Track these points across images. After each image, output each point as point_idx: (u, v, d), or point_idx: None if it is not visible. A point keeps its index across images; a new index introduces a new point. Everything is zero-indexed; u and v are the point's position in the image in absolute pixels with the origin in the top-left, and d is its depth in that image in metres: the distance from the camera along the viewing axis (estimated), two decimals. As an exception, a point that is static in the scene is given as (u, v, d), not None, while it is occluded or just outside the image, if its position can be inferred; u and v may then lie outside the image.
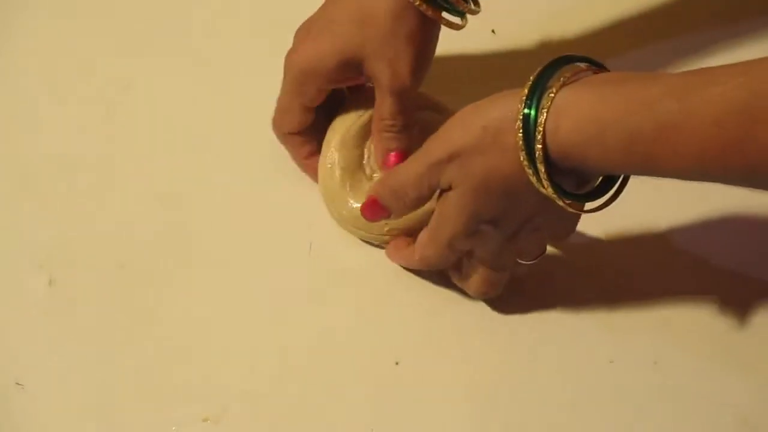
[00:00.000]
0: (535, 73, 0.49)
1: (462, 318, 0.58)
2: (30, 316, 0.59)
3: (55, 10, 0.74)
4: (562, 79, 0.48)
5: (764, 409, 0.54)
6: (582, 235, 0.60)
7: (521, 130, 0.48)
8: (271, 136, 0.63)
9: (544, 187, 0.49)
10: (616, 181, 0.51)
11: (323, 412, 0.55)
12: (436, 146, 0.53)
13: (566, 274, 0.60)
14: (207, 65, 0.70)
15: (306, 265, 0.61)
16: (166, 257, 0.61)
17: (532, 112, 0.48)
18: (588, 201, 0.51)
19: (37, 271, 0.60)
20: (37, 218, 0.63)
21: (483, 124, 0.50)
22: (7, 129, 0.68)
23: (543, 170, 0.48)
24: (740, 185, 0.49)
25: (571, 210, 0.50)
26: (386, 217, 0.57)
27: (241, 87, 0.69)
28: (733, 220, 0.61)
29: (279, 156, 0.64)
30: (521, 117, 0.48)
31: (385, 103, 0.58)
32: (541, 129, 0.48)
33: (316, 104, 0.60)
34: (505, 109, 0.50)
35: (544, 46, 0.65)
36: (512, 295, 0.58)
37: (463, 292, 0.58)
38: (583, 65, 0.49)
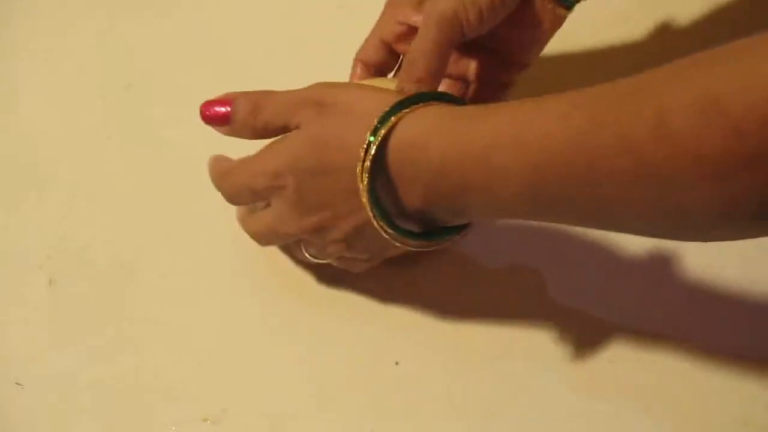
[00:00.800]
0: (384, 111, 0.47)
1: (462, 318, 0.58)
2: (30, 316, 0.59)
3: (55, 11, 0.74)
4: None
5: (764, 410, 0.54)
6: (581, 234, 0.60)
7: (361, 158, 0.47)
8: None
9: (364, 196, 0.48)
10: (444, 233, 0.50)
11: (323, 412, 0.55)
12: (314, 89, 0.51)
13: (565, 273, 0.59)
14: (207, 64, 0.70)
15: (306, 264, 0.61)
16: (166, 257, 0.61)
17: (376, 139, 0.47)
18: (411, 238, 0.50)
19: (37, 271, 0.60)
20: (37, 218, 0.63)
21: (358, 97, 0.50)
22: (7, 129, 0.68)
23: (365, 183, 0.47)
24: (582, 214, 0.45)
25: (383, 233, 0.49)
26: (220, 125, 0.53)
27: (242, 86, 0.69)
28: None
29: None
30: (362, 150, 0.47)
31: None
32: (373, 148, 0.47)
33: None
34: (381, 100, 0.48)
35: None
36: (511, 295, 0.58)
37: (462, 293, 0.58)
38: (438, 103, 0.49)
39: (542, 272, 0.59)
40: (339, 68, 0.63)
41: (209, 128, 0.67)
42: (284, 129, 0.52)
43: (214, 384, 0.56)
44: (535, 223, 0.56)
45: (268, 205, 0.54)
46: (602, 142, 0.41)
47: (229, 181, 0.54)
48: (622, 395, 0.55)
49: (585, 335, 0.57)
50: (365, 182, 0.47)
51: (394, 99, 0.48)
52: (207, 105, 0.53)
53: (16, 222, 0.63)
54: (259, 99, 0.52)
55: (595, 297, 0.58)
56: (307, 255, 0.56)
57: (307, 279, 0.60)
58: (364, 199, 0.48)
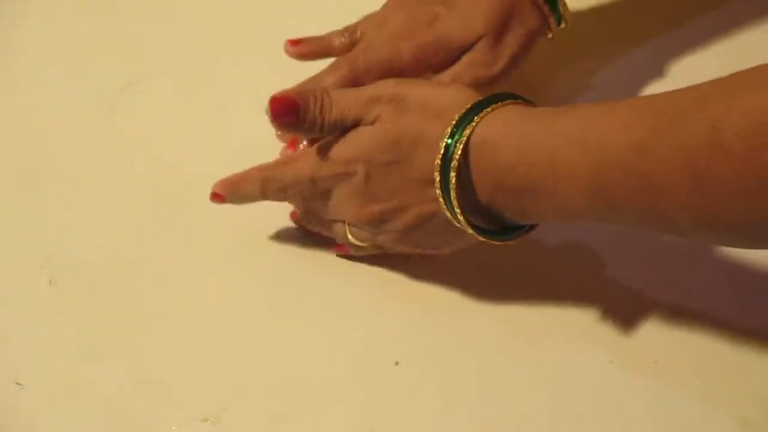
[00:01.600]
0: (465, 108, 0.50)
1: (462, 318, 0.58)
2: (30, 316, 0.59)
3: (55, 10, 0.74)
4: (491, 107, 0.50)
5: (764, 409, 0.54)
6: (581, 234, 0.60)
7: (441, 152, 0.49)
8: (273, 134, 0.63)
9: (438, 188, 0.50)
10: (516, 230, 0.52)
11: (323, 412, 0.55)
12: (389, 84, 0.54)
13: (566, 273, 0.60)
14: (207, 64, 0.71)
15: (306, 264, 0.61)
16: (167, 257, 0.61)
17: (452, 141, 0.49)
18: (485, 235, 0.52)
19: (37, 271, 0.60)
20: (37, 218, 0.63)
21: (432, 93, 0.52)
22: (7, 129, 0.68)
23: (453, 181, 0.49)
24: (641, 219, 0.47)
25: (457, 225, 0.51)
26: (290, 124, 0.54)
27: (242, 86, 0.69)
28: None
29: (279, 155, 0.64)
30: (443, 144, 0.49)
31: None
32: (460, 148, 0.49)
33: None
34: (462, 96, 0.51)
35: (544, 46, 0.65)
36: (512, 295, 0.58)
37: (463, 292, 0.58)
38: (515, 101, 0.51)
39: (538, 275, 0.59)
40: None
41: (208, 128, 0.67)
42: (354, 124, 0.54)
43: (214, 384, 0.56)
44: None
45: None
46: (660, 153, 0.43)
47: (291, 168, 0.56)
48: (621, 395, 0.55)
49: (585, 335, 0.57)
50: (453, 181, 0.49)
51: (467, 96, 0.51)
52: (275, 102, 0.54)
53: (16, 222, 0.63)
54: (325, 95, 0.54)
55: (593, 297, 0.58)
56: (350, 238, 0.57)
57: (308, 279, 0.60)
58: (438, 191, 0.50)
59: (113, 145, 0.67)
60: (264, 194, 0.57)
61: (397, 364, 0.57)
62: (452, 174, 0.49)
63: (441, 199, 0.51)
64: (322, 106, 0.53)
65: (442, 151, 0.49)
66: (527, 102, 0.51)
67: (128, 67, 0.70)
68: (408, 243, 0.56)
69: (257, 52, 0.70)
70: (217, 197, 0.58)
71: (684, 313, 0.57)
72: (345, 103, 0.54)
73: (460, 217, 0.50)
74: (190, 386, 0.56)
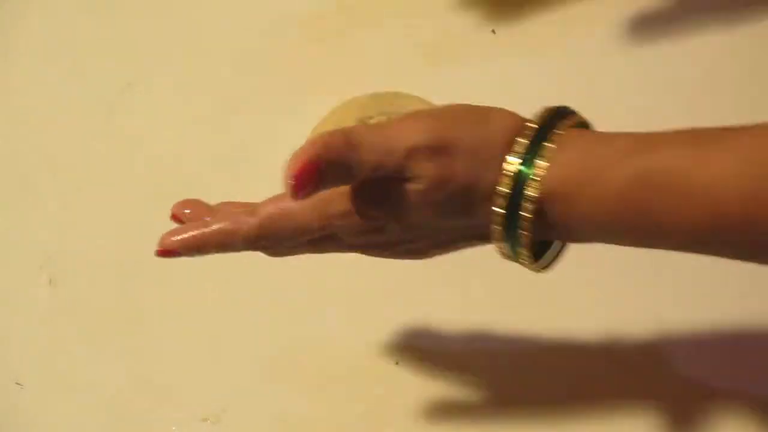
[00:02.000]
0: (534, 129, 0.43)
1: (462, 319, 0.58)
2: (30, 316, 0.59)
3: (55, 10, 0.74)
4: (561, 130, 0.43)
5: (764, 409, 0.54)
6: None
7: (504, 208, 0.43)
8: (271, 134, 0.63)
9: (500, 239, 0.44)
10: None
11: (323, 412, 0.55)
12: (429, 126, 0.44)
13: (566, 273, 0.59)
14: (207, 64, 0.71)
15: (306, 264, 0.61)
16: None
17: (524, 169, 0.42)
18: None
19: (37, 271, 0.61)
20: (37, 218, 0.63)
21: (485, 137, 0.44)
22: (7, 129, 0.68)
23: (526, 238, 0.43)
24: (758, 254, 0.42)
25: (506, 259, 0.45)
26: (312, 192, 0.43)
27: (242, 86, 0.69)
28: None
29: (279, 156, 0.64)
30: (513, 172, 0.42)
31: None
32: (535, 182, 0.42)
33: None
34: (505, 140, 0.44)
35: (544, 46, 0.65)
36: (512, 296, 0.58)
37: (463, 293, 0.58)
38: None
39: (538, 276, 0.59)
40: (343, 70, 0.63)
41: (208, 128, 0.67)
42: (390, 176, 0.44)
43: (214, 384, 0.56)
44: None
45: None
46: None
47: (306, 216, 0.47)
48: (622, 395, 0.55)
49: (586, 334, 0.57)
50: (525, 239, 0.43)
51: (516, 127, 0.43)
52: (297, 176, 0.42)
53: (16, 222, 0.63)
54: (353, 152, 0.43)
55: (593, 297, 0.58)
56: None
57: (307, 280, 0.60)
58: (503, 243, 0.44)
59: (113, 145, 0.67)
60: (252, 247, 0.49)
61: (397, 363, 0.57)
62: (522, 232, 0.43)
63: (503, 251, 0.44)
64: (350, 167, 0.43)
65: (504, 208, 0.43)
66: (584, 123, 0.45)
67: (128, 67, 0.70)
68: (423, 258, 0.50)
69: (257, 51, 0.70)
70: (168, 254, 0.48)
71: (683, 313, 0.57)
72: (376, 158, 0.43)
73: (531, 267, 0.45)
74: (190, 386, 0.56)
